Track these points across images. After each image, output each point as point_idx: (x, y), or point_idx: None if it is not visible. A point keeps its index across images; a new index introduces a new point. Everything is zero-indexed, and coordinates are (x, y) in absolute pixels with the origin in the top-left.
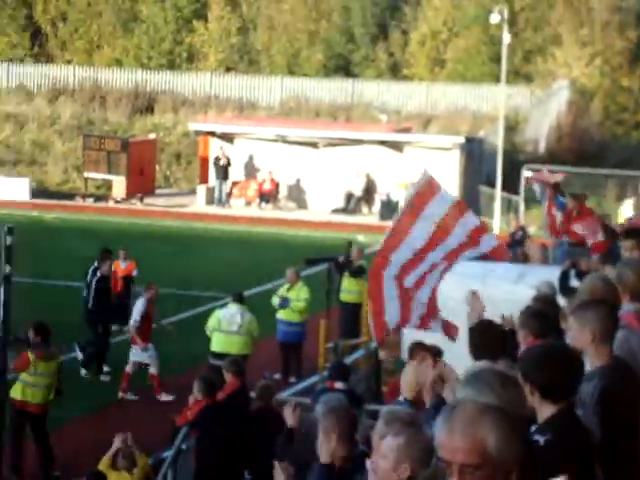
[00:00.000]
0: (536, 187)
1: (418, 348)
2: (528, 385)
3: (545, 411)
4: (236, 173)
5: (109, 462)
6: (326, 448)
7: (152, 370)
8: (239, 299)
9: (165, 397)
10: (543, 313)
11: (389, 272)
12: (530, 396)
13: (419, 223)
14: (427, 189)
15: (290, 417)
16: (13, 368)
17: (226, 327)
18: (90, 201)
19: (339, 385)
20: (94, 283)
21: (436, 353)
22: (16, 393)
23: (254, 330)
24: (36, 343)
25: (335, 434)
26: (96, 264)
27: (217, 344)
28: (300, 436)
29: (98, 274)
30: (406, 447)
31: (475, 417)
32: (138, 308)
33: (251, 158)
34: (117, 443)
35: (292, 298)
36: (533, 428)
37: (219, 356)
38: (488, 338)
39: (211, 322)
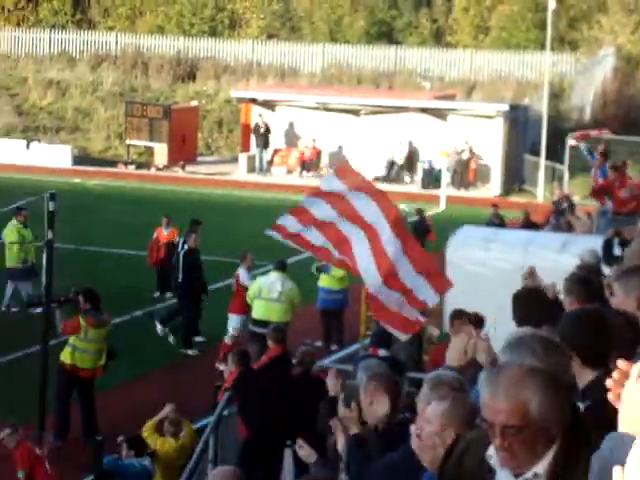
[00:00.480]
0: (583, 147)
1: (459, 316)
2: (568, 349)
3: (585, 377)
4: (277, 141)
5: (154, 427)
6: (369, 412)
7: (227, 339)
8: (281, 267)
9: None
10: (588, 279)
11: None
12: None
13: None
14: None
15: (332, 387)
16: (62, 331)
17: (266, 294)
18: (132, 168)
19: (382, 352)
20: (182, 256)
21: (478, 321)
22: (65, 357)
23: (295, 298)
24: (86, 309)
25: (377, 398)
26: (183, 237)
27: (257, 311)
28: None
29: (185, 247)
30: (451, 411)
31: (519, 379)
32: (245, 277)
33: (292, 126)
34: (166, 410)
35: (330, 265)
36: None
37: (259, 323)
38: (532, 305)
39: (252, 290)
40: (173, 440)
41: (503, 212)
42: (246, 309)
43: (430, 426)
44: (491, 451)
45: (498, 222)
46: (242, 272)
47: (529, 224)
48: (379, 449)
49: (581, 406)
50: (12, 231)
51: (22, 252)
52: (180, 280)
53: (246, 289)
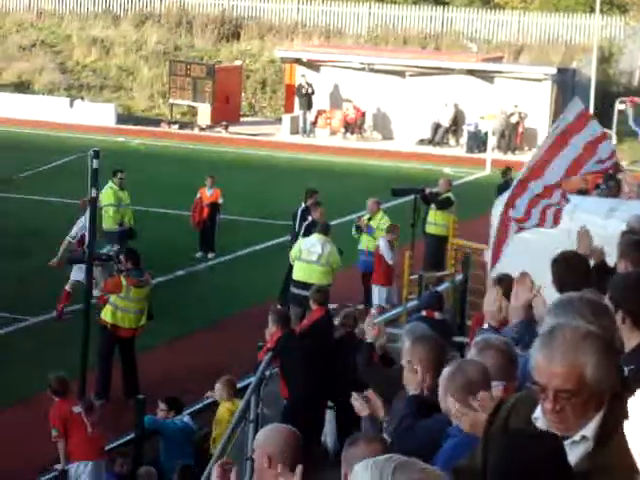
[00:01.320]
0: (630, 112)
1: (501, 281)
2: (620, 312)
3: (632, 340)
4: (321, 102)
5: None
6: (412, 378)
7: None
8: (324, 230)
9: None
10: None
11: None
12: (620, 323)
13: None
14: (577, 122)
15: (369, 332)
16: (103, 289)
17: (306, 256)
18: (175, 128)
19: (437, 315)
20: (304, 228)
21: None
22: (107, 316)
23: (334, 262)
24: (128, 269)
25: (422, 364)
26: (303, 205)
27: (298, 272)
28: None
29: (309, 219)
30: (498, 371)
31: (576, 343)
32: (385, 247)
33: (337, 87)
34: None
35: (373, 227)
36: None
37: (299, 284)
38: (572, 269)
39: (293, 251)
40: (231, 405)
41: None
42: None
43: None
44: (537, 413)
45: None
46: (382, 243)
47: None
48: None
49: (625, 369)
50: (109, 193)
51: (118, 214)
52: None
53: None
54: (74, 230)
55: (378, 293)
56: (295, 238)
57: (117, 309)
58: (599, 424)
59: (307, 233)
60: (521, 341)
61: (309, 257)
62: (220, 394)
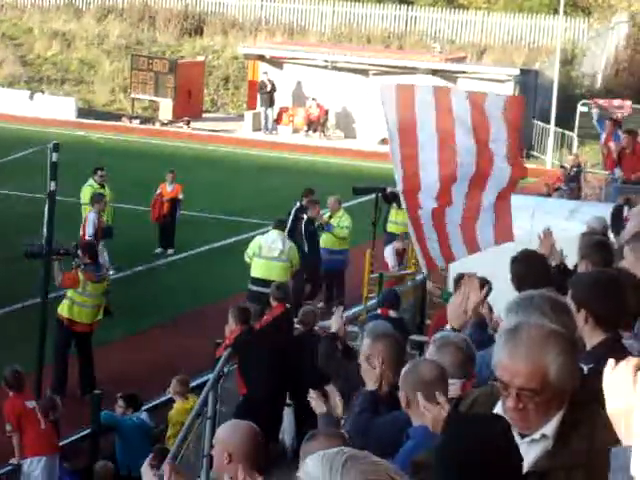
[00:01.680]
0: (594, 113)
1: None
2: (583, 311)
3: (593, 339)
4: (284, 99)
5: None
6: (371, 375)
7: None
8: (281, 226)
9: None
10: (605, 244)
11: (425, 209)
12: (582, 322)
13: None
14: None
15: (336, 323)
16: (60, 283)
17: (266, 253)
18: (136, 122)
19: (392, 313)
20: (303, 227)
21: (484, 283)
22: (63, 310)
23: (294, 257)
24: (85, 263)
25: (382, 360)
26: (298, 204)
27: (257, 270)
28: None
29: (305, 217)
30: (457, 369)
31: (540, 342)
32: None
33: (300, 84)
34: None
35: (333, 225)
36: None
37: (259, 282)
38: (531, 268)
39: (251, 248)
40: (185, 403)
41: None
42: None
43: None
44: (498, 409)
45: None
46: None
47: None
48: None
49: (585, 368)
50: (87, 191)
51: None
52: (307, 252)
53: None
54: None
55: None
56: (291, 236)
57: (74, 304)
58: (559, 423)
59: (307, 233)
60: (474, 343)
61: (270, 253)
62: (174, 391)
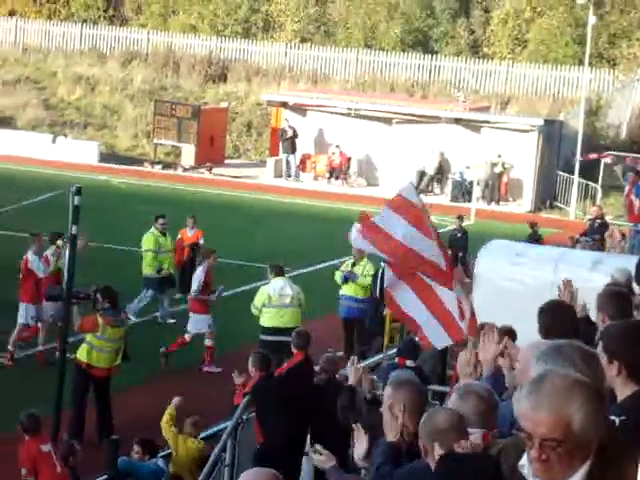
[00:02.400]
0: (618, 169)
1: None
2: (616, 362)
3: (625, 391)
4: (307, 146)
5: (170, 422)
6: (393, 425)
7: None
8: (282, 271)
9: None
10: (622, 295)
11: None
12: (613, 373)
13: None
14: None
15: (352, 375)
16: (78, 328)
17: (277, 301)
18: (158, 168)
19: (409, 363)
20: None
21: (506, 333)
22: (82, 355)
23: (303, 300)
24: (105, 308)
25: (403, 409)
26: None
27: (269, 319)
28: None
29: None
30: (479, 417)
31: (564, 392)
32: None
33: (323, 132)
34: (175, 402)
35: (358, 273)
36: None
37: (272, 331)
38: (558, 318)
39: (259, 299)
40: (195, 441)
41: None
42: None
43: None
44: (524, 460)
45: (536, 239)
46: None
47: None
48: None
49: (616, 420)
50: (149, 239)
51: (156, 261)
52: None
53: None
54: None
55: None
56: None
57: (93, 349)
58: (585, 475)
59: None
60: None
61: (282, 301)
62: (185, 432)
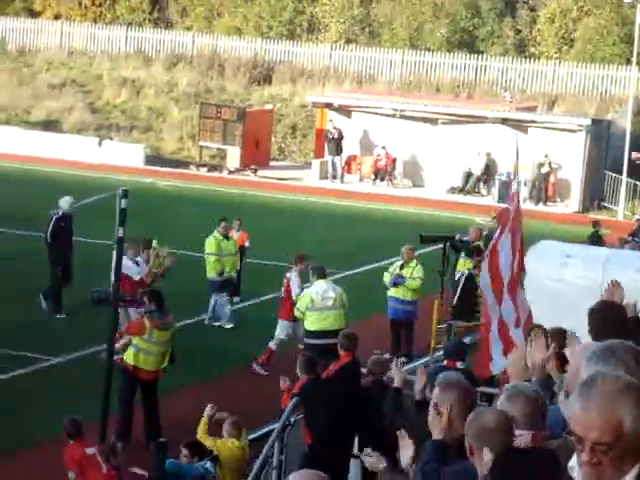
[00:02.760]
0: None
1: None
2: None
3: None
4: (352, 148)
5: (205, 430)
6: (439, 424)
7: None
8: (324, 273)
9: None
10: None
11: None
12: None
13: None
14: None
15: (397, 376)
16: (126, 331)
17: (320, 304)
18: (204, 170)
19: (459, 364)
20: None
21: (559, 335)
22: (129, 358)
23: (346, 301)
24: (152, 311)
25: (449, 409)
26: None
27: (313, 323)
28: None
29: None
30: (527, 419)
31: (615, 394)
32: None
33: (368, 133)
34: (207, 411)
35: (406, 276)
36: None
37: (316, 334)
38: (610, 319)
39: (303, 302)
40: (235, 440)
41: (580, 229)
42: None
43: None
44: (573, 462)
45: (597, 240)
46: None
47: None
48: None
49: None
50: (211, 242)
51: (219, 264)
52: None
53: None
54: None
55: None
56: None
57: (139, 351)
58: (635, 478)
59: None
60: None
61: (325, 304)
62: (226, 433)
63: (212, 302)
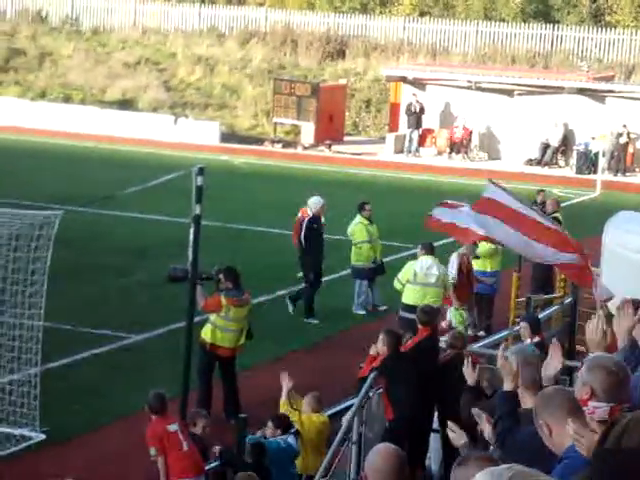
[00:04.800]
0: None
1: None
2: None
3: None
4: (426, 121)
5: (288, 403)
6: (509, 374)
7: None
8: (431, 250)
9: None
10: None
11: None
12: None
13: None
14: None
15: (469, 375)
16: (203, 308)
17: (422, 279)
18: (278, 147)
19: (535, 339)
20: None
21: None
22: (206, 335)
23: (448, 282)
24: (228, 288)
25: (517, 364)
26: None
27: (411, 296)
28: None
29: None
30: (607, 392)
31: None
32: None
33: (443, 106)
34: (285, 382)
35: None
36: None
37: (413, 308)
38: None
39: (405, 274)
40: (320, 415)
41: None
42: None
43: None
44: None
45: None
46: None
47: None
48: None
49: None
50: (361, 229)
51: (372, 251)
52: None
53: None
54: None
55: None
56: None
57: (217, 328)
58: None
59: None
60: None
61: (427, 279)
62: (309, 408)
63: (358, 288)
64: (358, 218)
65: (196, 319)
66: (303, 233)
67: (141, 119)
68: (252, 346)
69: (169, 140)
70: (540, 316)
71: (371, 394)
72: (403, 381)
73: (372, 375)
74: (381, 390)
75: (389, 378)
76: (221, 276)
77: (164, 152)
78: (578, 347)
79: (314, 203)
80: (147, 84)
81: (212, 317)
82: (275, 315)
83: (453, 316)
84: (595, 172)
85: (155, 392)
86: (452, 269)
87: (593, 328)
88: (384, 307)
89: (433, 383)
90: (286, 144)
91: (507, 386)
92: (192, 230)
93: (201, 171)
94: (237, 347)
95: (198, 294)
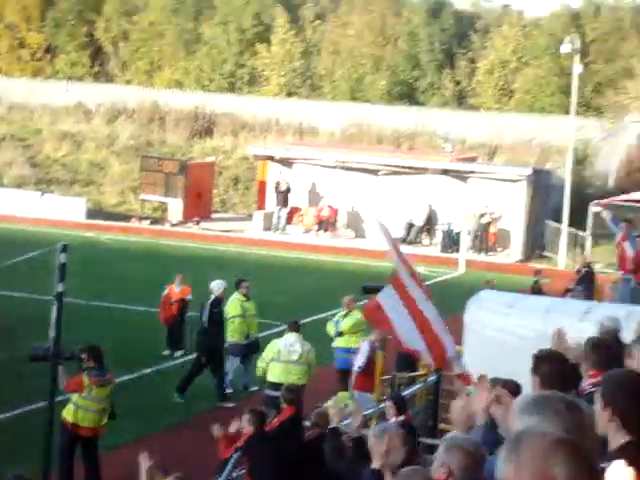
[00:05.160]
0: (606, 214)
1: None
2: (609, 410)
3: (617, 440)
4: (294, 199)
5: None
6: (378, 452)
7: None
8: (297, 328)
9: None
10: (605, 345)
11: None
12: (606, 422)
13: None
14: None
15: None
16: (64, 388)
17: (285, 357)
18: (146, 223)
19: (398, 417)
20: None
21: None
22: (68, 414)
23: (312, 360)
24: (90, 367)
25: (386, 443)
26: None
27: (275, 374)
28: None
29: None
30: (464, 472)
31: (546, 452)
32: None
33: (310, 185)
34: (145, 464)
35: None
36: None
37: (277, 386)
38: (554, 367)
39: (269, 352)
40: None
41: (521, 278)
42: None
43: None
44: None
45: (538, 290)
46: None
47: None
48: None
49: (607, 468)
50: (235, 304)
51: (245, 326)
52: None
53: None
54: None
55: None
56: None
57: (78, 408)
58: None
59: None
60: (484, 445)
61: (290, 357)
62: None
63: (229, 365)
64: (235, 294)
65: (58, 398)
66: (207, 315)
67: (6, 195)
68: (116, 425)
69: (35, 216)
70: (404, 393)
71: (234, 475)
72: (267, 461)
73: (235, 455)
74: (244, 471)
75: (253, 458)
76: (84, 355)
77: (29, 229)
78: (443, 425)
79: (217, 286)
80: (12, 160)
81: (74, 397)
82: (142, 393)
83: (343, 398)
84: (458, 251)
85: (14, 474)
86: (362, 357)
87: (457, 408)
88: (255, 387)
89: (296, 462)
90: (154, 221)
91: (376, 464)
92: (55, 308)
93: (64, 248)
94: (99, 427)
95: (60, 375)
